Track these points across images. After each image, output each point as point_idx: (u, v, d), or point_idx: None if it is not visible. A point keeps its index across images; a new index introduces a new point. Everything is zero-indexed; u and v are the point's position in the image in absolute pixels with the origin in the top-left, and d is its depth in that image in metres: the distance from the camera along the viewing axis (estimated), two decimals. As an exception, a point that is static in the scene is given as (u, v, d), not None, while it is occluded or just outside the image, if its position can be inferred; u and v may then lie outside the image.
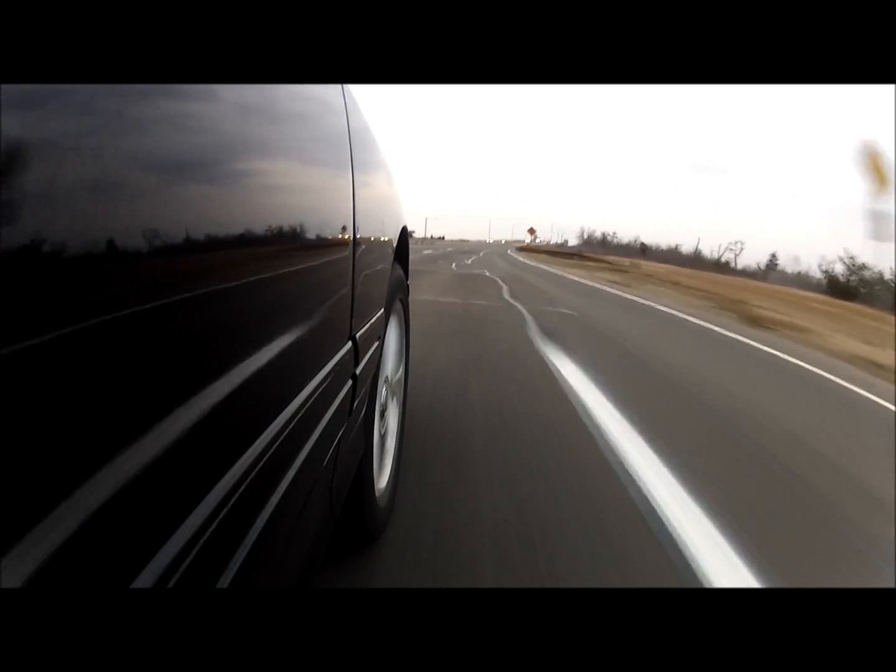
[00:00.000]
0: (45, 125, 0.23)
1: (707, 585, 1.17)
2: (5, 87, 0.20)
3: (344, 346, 0.78)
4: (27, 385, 0.21)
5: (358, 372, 0.87)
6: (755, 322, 7.27)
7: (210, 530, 0.35)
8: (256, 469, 0.43)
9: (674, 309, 7.54)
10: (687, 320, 6.47)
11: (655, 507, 1.56)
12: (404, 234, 1.49)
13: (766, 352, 4.87)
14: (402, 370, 1.58)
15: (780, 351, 4.95)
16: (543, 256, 28.63)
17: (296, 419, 0.53)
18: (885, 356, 5.61)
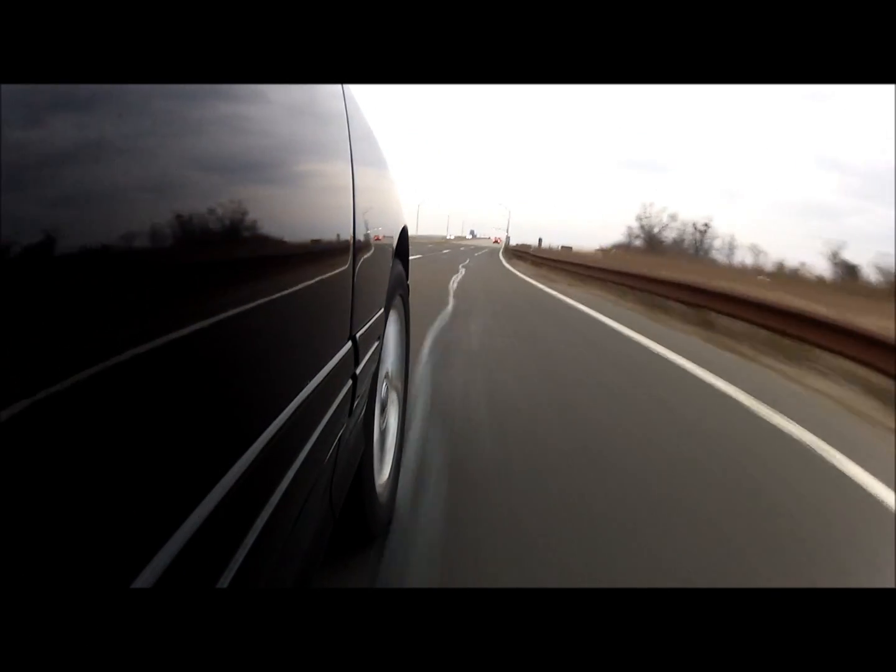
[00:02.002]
0: (38, 130, 0.23)
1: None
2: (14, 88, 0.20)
3: (344, 346, 0.78)
4: (29, 383, 0.21)
5: (358, 372, 0.87)
6: None
7: (210, 530, 0.35)
8: (257, 469, 0.43)
9: None
10: None
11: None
12: (404, 234, 1.49)
13: None
14: (402, 367, 1.59)
15: None
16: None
17: (296, 419, 0.53)
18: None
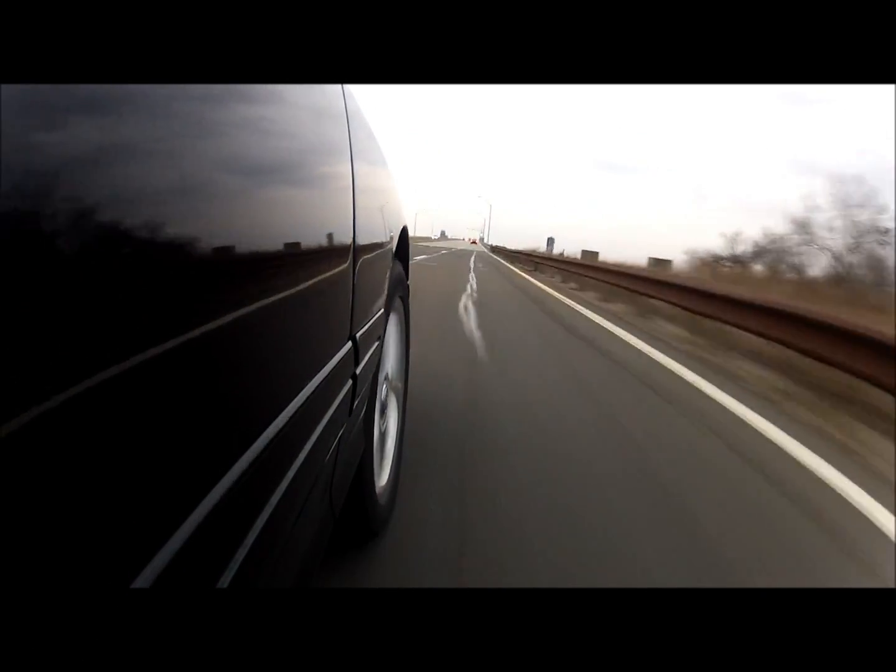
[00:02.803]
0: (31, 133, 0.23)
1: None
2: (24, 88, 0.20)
3: (344, 346, 0.78)
4: (30, 382, 0.21)
5: (358, 372, 0.87)
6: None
7: (210, 530, 0.35)
8: (257, 469, 0.43)
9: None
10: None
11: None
12: (404, 234, 1.49)
13: None
14: (402, 368, 1.59)
15: None
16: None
17: (296, 419, 0.53)
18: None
